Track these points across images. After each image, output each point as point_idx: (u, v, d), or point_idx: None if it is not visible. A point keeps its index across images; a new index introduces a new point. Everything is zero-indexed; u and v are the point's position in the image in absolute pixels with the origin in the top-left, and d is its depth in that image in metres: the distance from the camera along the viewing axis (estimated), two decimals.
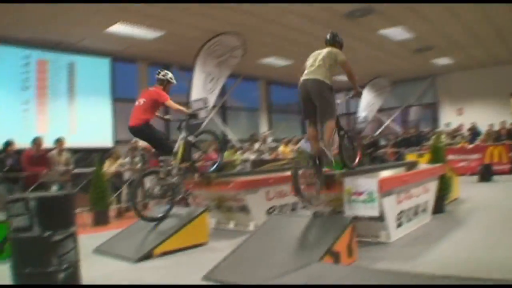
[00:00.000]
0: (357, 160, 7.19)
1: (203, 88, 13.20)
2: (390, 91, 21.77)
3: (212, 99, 13.49)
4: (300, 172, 6.18)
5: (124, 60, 15.49)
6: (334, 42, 6.85)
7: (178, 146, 7.71)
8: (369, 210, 6.07)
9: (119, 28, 12.39)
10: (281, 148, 17.06)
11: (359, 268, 4.68)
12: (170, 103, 7.57)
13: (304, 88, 6.31)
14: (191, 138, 7.94)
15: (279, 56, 16.68)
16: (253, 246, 5.55)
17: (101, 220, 10.38)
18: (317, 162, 6.25)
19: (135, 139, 11.55)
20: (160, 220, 7.39)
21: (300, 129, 22.83)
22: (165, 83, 7.88)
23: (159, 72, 8.02)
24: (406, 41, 15.31)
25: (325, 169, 6.44)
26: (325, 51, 6.57)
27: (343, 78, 7.15)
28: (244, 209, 8.37)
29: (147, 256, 6.46)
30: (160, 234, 6.92)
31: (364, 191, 6.08)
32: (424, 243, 6.37)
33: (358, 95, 7.72)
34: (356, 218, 6.27)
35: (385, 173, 8.00)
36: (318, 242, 5.08)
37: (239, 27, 12.87)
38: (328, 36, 6.92)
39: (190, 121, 8.06)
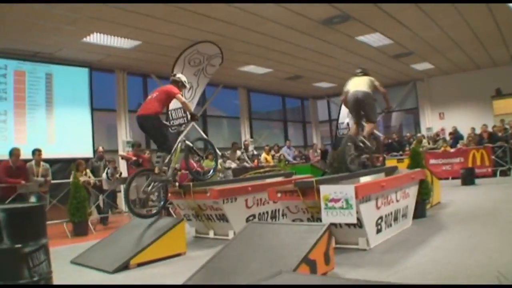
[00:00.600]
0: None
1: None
2: None
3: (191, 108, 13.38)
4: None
5: (103, 70, 15.36)
6: (366, 73, 9.12)
7: (176, 147, 7.87)
8: (347, 217, 6.02)
9: (95, 38, 12.26)
10: (263, 156, 17.05)
11: (330, 278, 4.59)
12: (180, 97, 7.80)
13: (355, 97, 8.42)
14: (189, 142, 8.14)
15: (258, 64, 16.64)
16: (228, 256, 5.45)
17: (79, 231, 10.35)
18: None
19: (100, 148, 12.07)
20: (154, 216, 7.61)
21: (282, 137, 22.82)
22: (179, 85, 8.05)
23: (174, 74, 8.37)
24: (384, 47, 15.35)
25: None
26: (365, 77, 8.83)
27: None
28: (223, 217, 8.32)
29: (123, 267, 6.38)
30: (136, 245, 6.83)
31: (341, 198, 6.02)
32: (404, 249, 6.33)
33: (390, 110, 10.43)
34: (333, 225, 6.29)
35: (364, 179, 7.99)
36: (294, 250, 4.98)
37: (216, 36, 12.86)
38: (360, 69, 9.30)
39: (191, 123, 8.65)
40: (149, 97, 7.82)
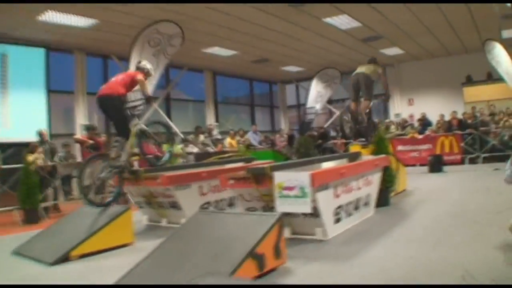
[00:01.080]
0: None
1: None
2: (339, 82, 21.63)
3: (149, 90, 12.89)
4: None
5: (60, 50, 14.70)
6: (374, 61, 10.49)
7: (132, 132, 7.65)
8: (301, 206, 5.64)
9: (49, 17, 11.66)
10: (228, 140, 16.66)
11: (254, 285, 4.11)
12: (142, 79, 7.65)
13: (356, 77, 10.25)
14: (144, 126, 7.97)
15: (223, 46, 16.13)
16: (172, 248, 5.05)
17: (31, 218, 9.86)
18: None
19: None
20: (109, 205, 7.19)
21: (249, 122, 22.41)
22: (144, 72, 7.94)
23: (139, 62, 8.33)
24: (353, 30, 14.96)
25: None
26: (370, 65, 10.37)
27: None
28: (175, 205, 7.92)
29: (63, 259, 5.95)
30: (79, 235, 6.36)
31: (296, 185, 5.64)
32: (363, 240, 5.99)
33: (388, 98, 12.32)
34: (290, 215, 5.93)
35: (325, 165, 7.64)
36: (240, 243, 4.59)
37: (177, 15, 12.35)
38: (369, 59, 10.67)
39: (146, 106, 8.11)
40: (113, 79, 7.71)
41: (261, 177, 6.06)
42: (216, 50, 16.66)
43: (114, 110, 7.49)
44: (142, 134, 7.89)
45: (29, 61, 13.60)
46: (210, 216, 5.58)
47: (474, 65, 18.93)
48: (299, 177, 5.65)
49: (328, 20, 13.70)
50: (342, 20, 13.88)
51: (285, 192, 5.71)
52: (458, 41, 17.48)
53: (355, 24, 14.29)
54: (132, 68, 12.34)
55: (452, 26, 15.14)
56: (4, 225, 9.74)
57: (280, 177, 5.79)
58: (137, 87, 7.78)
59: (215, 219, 5.40)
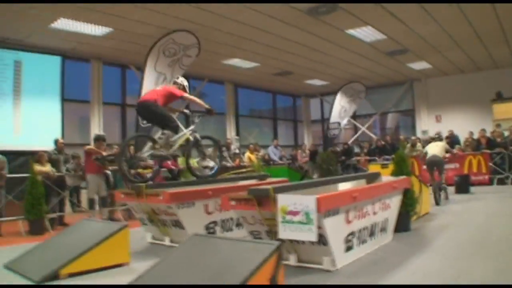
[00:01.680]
0: None
1: (156, 87, 12.31)
2: (365, 96, 21.16)
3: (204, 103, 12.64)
4: None
5: (77, 59, 14.52)
6: (441, 138, 11.01)
7: (183, 134, 8.22)
8: (306, 234, 5.09)
9: (63, 24, 11.47)
10: (247, 155, 16.22)
11: None
12: (187, 96, 8.08)
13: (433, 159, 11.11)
14: (198, 136, 8.39)
15: (243, 57, 15.79)
16: (160, 274, 4.57)
17: (35, 230, 9.62)
18: None
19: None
20: (148, 180, 8.14)
21: (271, 136, 21.95)
22: (180, 88, 8.12)
23: (178, 77, 8.48)
24: (377, 43, 14.47)
25: None
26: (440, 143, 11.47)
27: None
28: (178, 224, 7.43)
29: (52, 277, 5.54)
30: (70, 252, 5.93)
31: (300, 210, 5.10)
32: (376, 272, 5.40)
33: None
34: (296, 241, 5.45)
35: (342, 187, 7.10)
36: (232, 273, 4.09)
37: (193, 24, 12.06)
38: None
39: (202, 117, 8.60)
40: (152, 89, 8.37)
41: (263, 199, 5.54)
42: (236, 62, 16.33)
43: (153, 113, 7.68)
44: (195, 143, 8.36)
45: (44, 69, 13.52)
46: (205, 241, 5.08)
47: (505, 81, 18.34)
48: (304, 201, 5.11)
49: (351, 31, 13.25)
50: (366, 32, 13.42)
51: (289, 217, 5.18)
52: (487, 56, 16.80)
53: (379, 36, 13.80)
54: (147, 77, 12.14)
55: (481, 39, 14.50)
56: (8, 235, 9.55)
57: (284, 200, 5.26)
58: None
59: (209, 245, 4.91)
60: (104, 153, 10.77)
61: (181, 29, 12.27)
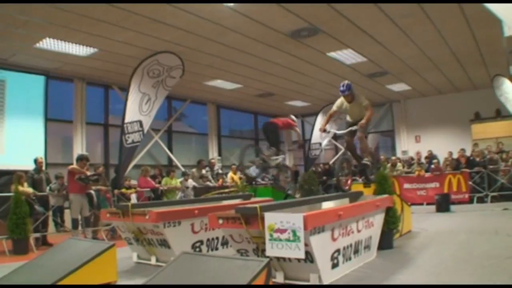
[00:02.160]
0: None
1: (138, 109, 12.38)
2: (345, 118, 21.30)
3: (147, 122, 12.65)
4: None
5: (60, 79, 14.45)
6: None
7: (277, 158, 10.11)
8: (293, 251, 5.18)
9: (48, 44, 11.46)
10: (230, 175, 16.25)
11: None
12: (297, 128, 10.72)
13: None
14: (285, 163, 11.19)
15: (226, 79, 15.88)
16: None
17: (19, 249, 9.61)
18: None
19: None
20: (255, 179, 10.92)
21: (253, 156, 21.96)
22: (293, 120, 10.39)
23: (290, 115, 10.66)
24: (358, 65, 14.70)
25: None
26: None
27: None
28: (164, 243, 7.45)
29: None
30: (58, 271, 5.88)
31: (288, 228, 5.18)
32: None
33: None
34: (283, 258, 5.51)
35: (325, 205, 7.19)
36: None
37: (177, 46, 12.16)
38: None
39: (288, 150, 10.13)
40: (279, 118, 10.36)
41: (251, 218, 5.61)
42: (219, 83, 16.41)
43: (273, 132, 9.90)
44: (281, 167, 10.45)
45: (28, 88, 13.39)
46: (193, 259, 5.11)
47: (483, 102, 18.65)
48: (291, 219, 5.20)
49: (333, 54, 13.45)
50: (346, 55, 13.62)
51: (276, 235, 5.26)
52: (465, 77, 17.12)
53: (359, 59, 14.03)
54: (131, 97, 12.21)
55: (459, 61, 14.79)
56: None
57: (271, 219, 5.34)
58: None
59: (198, 263, 4.94)
60: (88, 173, 10.74)
61: (165, 51, 12.36)
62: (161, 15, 10.08)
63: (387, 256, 7.49)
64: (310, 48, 12.68)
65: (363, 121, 8.47)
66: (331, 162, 21.10)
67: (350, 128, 8.89)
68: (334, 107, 9.15)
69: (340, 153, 19.12)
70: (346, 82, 8.81)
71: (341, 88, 8.75)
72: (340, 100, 9.03)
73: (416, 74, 16.39)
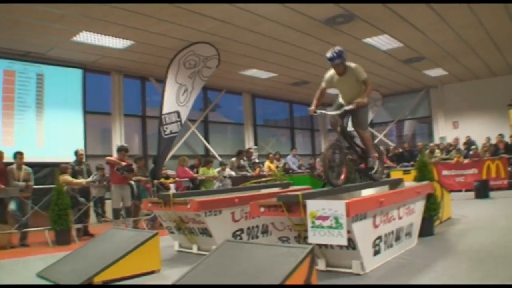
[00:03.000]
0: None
1: (176, 100, 12.50)
2: (381, 104, 21.15)
3: (185, 113, 12.78)
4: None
5: (98, 72, 14.68)
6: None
7: None
8: (336, 238, 5.21)
9: (85, 37, 11.62)
10: (267, 164, 16.30)
11: None
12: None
13: None
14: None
15: (261, 68, 15.90)
16: (195, 280, 4.68)
17: (62, 239, 9.79)
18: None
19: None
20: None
21: (289, 145, 21.99)
22: None
23: None
24: (394, 51, 14.51)
25: None
26: None
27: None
28: (205, 232, 7.57)
29: (86, 284, 5.65)
30: (103, 260, 6.06)
31: (330, 215, 5.21)
32: (404, 275, 5.52)
33: None
34: (325, 246, 5.56)
35: (365, 193, 7.18)
36: (267, 277, 4.20)
37: (212, 36, 12.17)
38: None
39: None
40: None
41: (292, 205, 5.65)
42: (254, 73, 16.44)
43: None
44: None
45: (66, 81, 13.65)
46: (237, 247, 5.20)
47: None
48: (333, 206, 5.23)
49: (368, 40, 13.30)
50: (382, 41, 13.45)
51: (318, 222, 5.30)
52: (503, 61, 16.74)
53: (396, 44, 13.83)
54: (168, 89, 12.34)
55: (496, 45, 14.47)
56: (35, 245, 9.71)
57: (313, 206, 5.38)
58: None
59: (242, 250, 5.03)
60: (123, 163, 10.89)
61: (201, 41, 12.42)
62: (197, 6, 10.10)
63: (428, 243, 7.46)
64: (346, 34, 12.56)
65: (359, 99, 6.78)
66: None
67: (345, 108, 6.98)
68: (323, 83, 7.29)
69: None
70: (337, 47, 6.92)
71: (329, 55, 6.83)
72: (330, 73, 7.21)
73: (453, 59, 16.09)
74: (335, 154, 6.77)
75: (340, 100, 7.37)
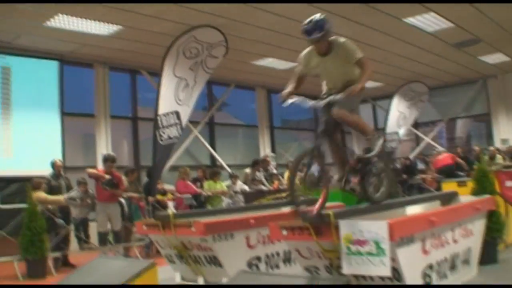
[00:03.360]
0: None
1: (174, 98, 12.52)
2: (428, 99, 21.05)
3: (185, 113, 12.79)
4: None
5: (77, 64, 14.84)
6: None
7: None
8: (377, 267, 5.14)
9: (61, 22, 11.70)
10: (287, 175, 16.26)
11: None
12: None
13: None
14: None
15: (278, 56, 15.92)
16: None
17: (35, 271, 9.70)
18: None
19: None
20: None
21: None
22: None
23: None
24: (442, 32, 14.43)
25: None
26: None
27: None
28: (214, 261, 7.49)
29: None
30: None
31: (369, 239, 5.16)
32: None
33: None
34: (362, 277, 5.50)
35: (410, 210, 7.13)
36: None
37: (218, 18, 12.23)
38: None
39: None
40: None
41: (322, 227, 5.61)
42: (269, 62, 16.50)
43: None
44: None
45: (38, 76, 13.69)
46: (255, 279, 5.17)
47: None
48: (373, 228, 5.17)
49: (411, 20, 13.28)
50: (428, 20, 13.42)
51: (355, 248, 5.24)
52: None
53: (445, 25, 13.79)
54: (165, 84, 12.35)
55: None
56: (2, 279, 9.68)
57: (347, 227, 5.33)
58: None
59: (261, 283, 4.99)
60: (107, 176, 10.89)
61: (204, 25, 12.46)
62: None
63: (491, 273, 7.34)
64: (383, 13, 12.55)
65: (355, 86, 5.80)
66: (411, 156, 20.84)
67: (329, 99, 6.04)
68: (298, 66, 6.66)
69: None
70: (317, 15, 6.24)
71: (305, 27, 6.16)
72: (308, 51, 6.47)
73: None
74: (310, 166, 6.03)
75: (324, 86, 6.79)
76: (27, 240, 9.63)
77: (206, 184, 13.91)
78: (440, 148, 21.01)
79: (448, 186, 9.12)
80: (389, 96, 20.95)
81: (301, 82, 6.60)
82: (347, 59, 6.07)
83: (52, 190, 11.21)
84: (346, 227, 5.36)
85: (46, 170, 11.75)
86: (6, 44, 12.83)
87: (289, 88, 6.43)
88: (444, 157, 16.96)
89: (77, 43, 13.27)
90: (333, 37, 6.13)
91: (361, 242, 5.22)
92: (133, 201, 12.08)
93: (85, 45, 13.42)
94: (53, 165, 11.63)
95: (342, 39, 6.20)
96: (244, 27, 12.87)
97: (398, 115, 20.58)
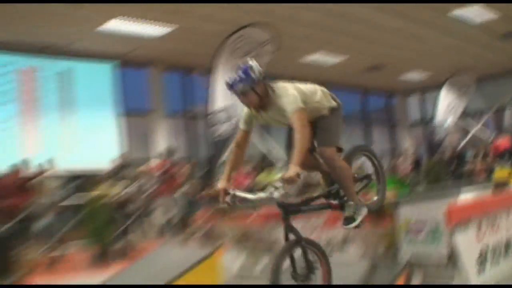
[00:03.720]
0: None
1: (227, 94, 12.61)
2: (475, 90, 20.76)
3: (237, 110, 12.90)
4: None
5: (132, 65, 15.07)
6: None
7: None
8: (433, 252, 5.20)
9: (117, 25, 11.95)
10: None
11: None
12: None
13: None
14: None
15: (325, 53, 15.97)
16: None
17: (99, 259, 9.95)
18: None
19: None
20: None
21: (362, 143, 21.88)
22: None
23: None
24: (489, 23, 14.22)
25: None
26: None
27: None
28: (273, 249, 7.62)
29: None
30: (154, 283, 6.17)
31: (426, 224, 5.22)
32: None
33: None
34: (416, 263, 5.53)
35: (463, 197, 7.13)
36: None
37: (267, 17, 12.28)
38: None
39: None
40: None
41: (378, 214, 5.68)
42: (317, 58, 16.54)
43: None
44: None
45: (94, 78, 13.99)
46: None
47: None
48: (430, 213, 5.24)
49: (456, 12, 13.16)
50: (473, 12, 13.26)
51: (412, 233, 5.32)
52: None
53: (490, 15, 13.60)
54: (217, 82, 12.42)
55: None
56: (69, 268, 9.77)
57: (405, 214, 5.40)
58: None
59: None
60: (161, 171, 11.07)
61: (253, 24, 12.53)
62: None
63: None
64: (429, 7, 12.50)
65: (287, 173, 3.79)
66: (459, 147, 20.55)
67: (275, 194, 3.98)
68: (240, 124, 4.60)
69: None
70: (245, 62, 4.43)
71: (231, 79, 4.25)
72: (247, 111, 4.50)
73: None
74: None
75: None
76: (91, 230, 9.99)
77: (260, 177, 14.00)
78: (492, 134, 20.69)
79: (500, 174, 9.03)
80: (437, 87, 20.64)
81: (243, 146, 4.74)
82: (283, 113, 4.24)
83: (113, 184, 11.49)
84: (403, 214, 5.43)
85: (105, 166, 11.94)
86: (64, 48, 13.10)
87: (224, 174, 4.53)
88: (503, 141, 16.64)
89: (131, 45, 13.47)
90: (271, 84, 4.40)
91: (418, 228, 5.29)
92: (192, 193, 12.20)
93: (140, 47, 13.63)
94: (114, 161, 11.89)
95: (279, 85, 4.43)
96: (292, 25, 13.00)
97: (447, 106, 20.32)
